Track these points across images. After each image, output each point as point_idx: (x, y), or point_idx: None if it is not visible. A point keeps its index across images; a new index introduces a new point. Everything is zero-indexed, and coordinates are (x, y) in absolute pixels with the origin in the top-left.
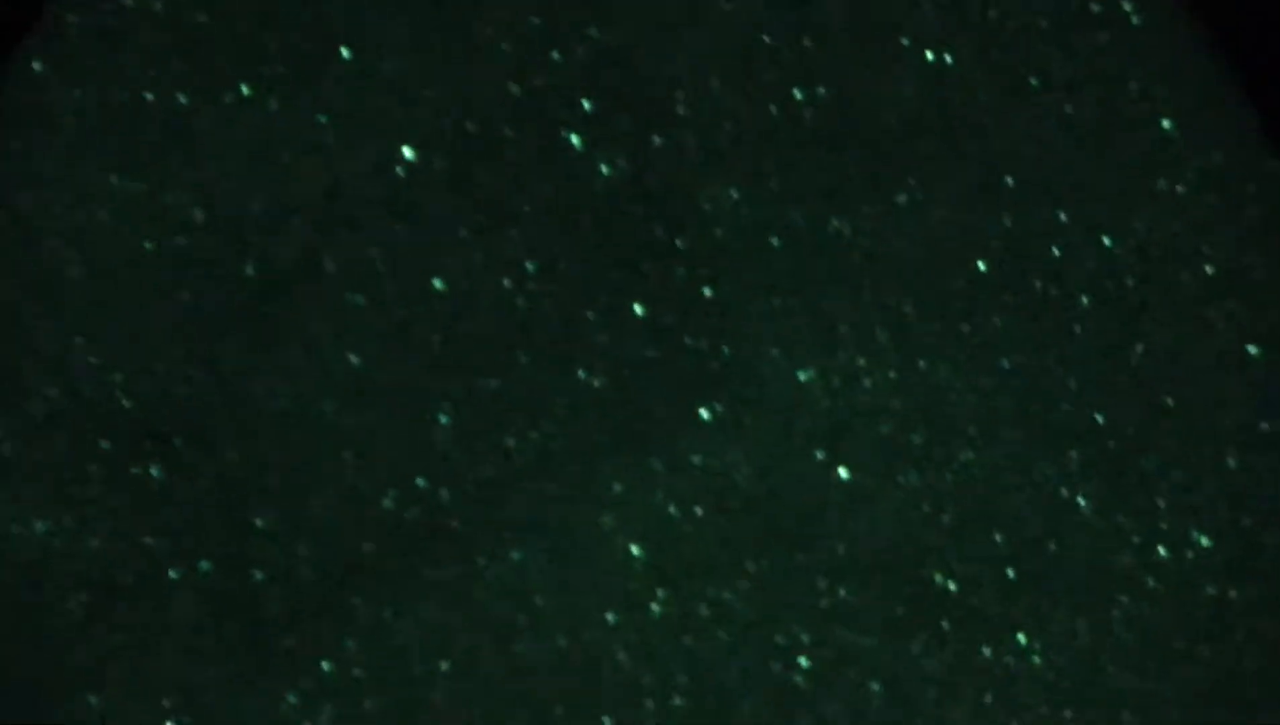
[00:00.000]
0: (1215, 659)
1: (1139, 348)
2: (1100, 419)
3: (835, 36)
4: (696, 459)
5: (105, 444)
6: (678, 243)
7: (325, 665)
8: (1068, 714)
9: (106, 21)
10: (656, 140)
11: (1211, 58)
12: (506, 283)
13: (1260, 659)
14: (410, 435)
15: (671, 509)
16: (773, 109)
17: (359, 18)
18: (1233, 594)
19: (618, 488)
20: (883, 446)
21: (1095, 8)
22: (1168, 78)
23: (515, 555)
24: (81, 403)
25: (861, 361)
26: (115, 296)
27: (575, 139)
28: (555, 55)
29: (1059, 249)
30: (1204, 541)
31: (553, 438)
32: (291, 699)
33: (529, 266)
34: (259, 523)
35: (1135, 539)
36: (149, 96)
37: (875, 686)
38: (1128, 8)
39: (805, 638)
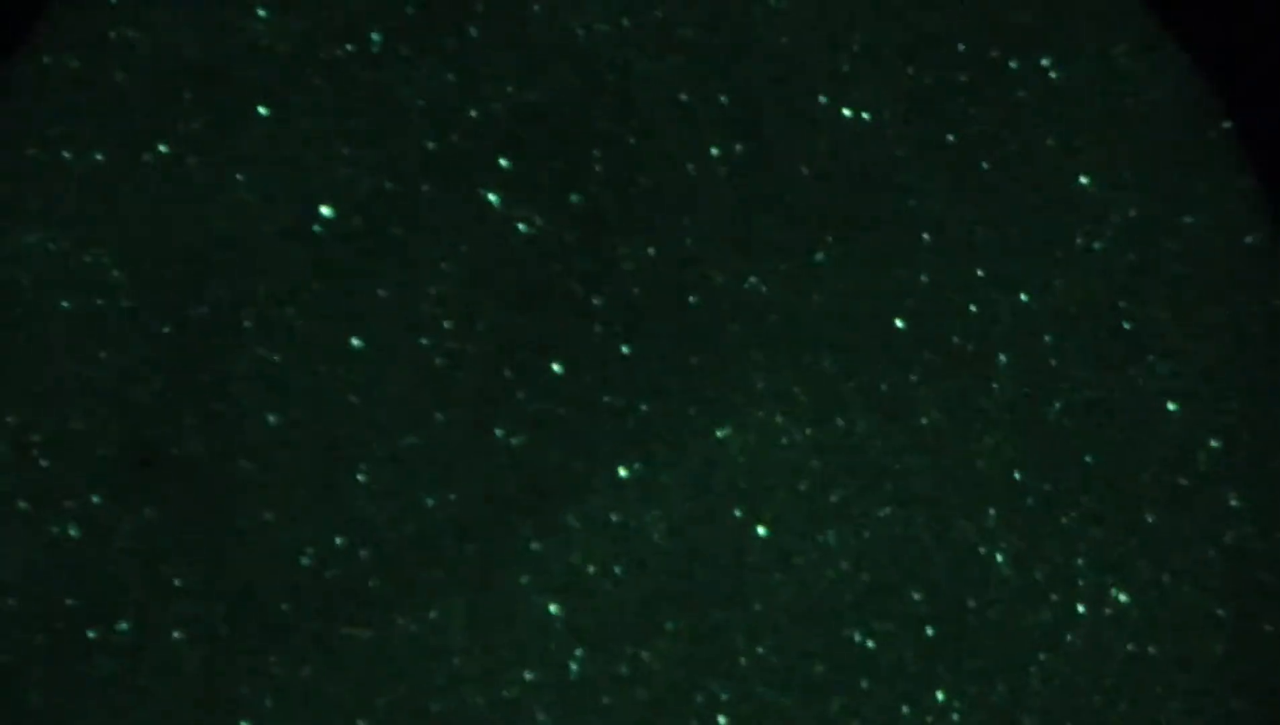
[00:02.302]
0: (1133, 716)
1: (1056, 405)
2: (1018, 476)
3: (753, 94)
4: (615, 517)
5: (22, 504)
6: (595, 301)
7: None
8: None
9: (22, 79)
10: (574, 198)
11: (1132, 111)
12: (424, 341)
13: (1178, 716)
14: (328, 494)
15: (590, 568)
16: (689, 167)
17: (276, 75)
18: (1151, 650)
19: (535, 546)
20: (801, 504)
21: (1013, 64)
22: (1085, 133)
23: (433, 614)
24: None
25: (779, 419)
26: (32, 355)
27: (493, 197)
28: (473, 113)
29: (976, 306)
30: (1122, 598)
31: (470, 497)
32: None
33: (446, 325)
34: (177, 582)
35: (1053, 596)
36: (66, 155)
37: None
38: (1045, 63)
39: (724, 696)
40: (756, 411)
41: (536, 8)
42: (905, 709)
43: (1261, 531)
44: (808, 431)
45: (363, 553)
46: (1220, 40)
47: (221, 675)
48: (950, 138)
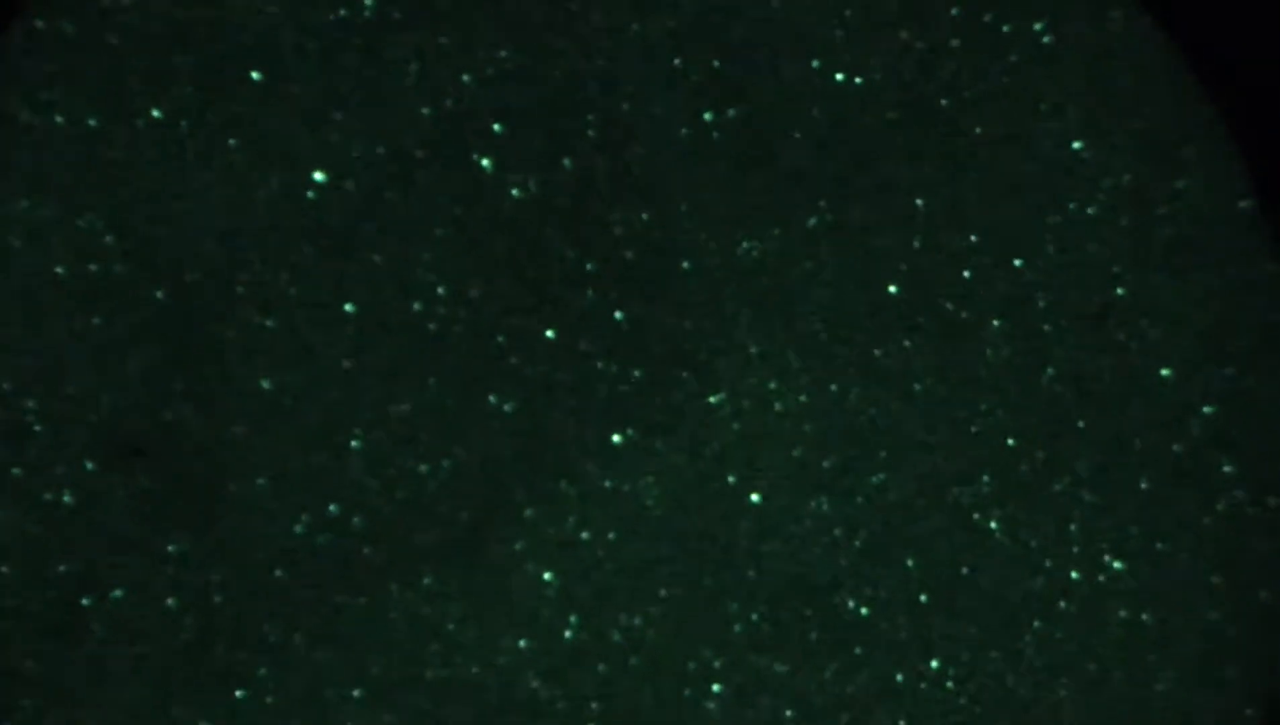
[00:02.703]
0: (1128, 682)
1: (1050, 371)
2: (1012, 442)
3: (745, 59)
4: (608, 484)
5: (16, 471)
6: (588, 266)
7: (238, 693)
8: None
9: (15, 44)
10: (567, 163)
11: (1125, 76)
12: (417, 306)
13: (1173, 682)
14: (322, 461)
15: (583, 534)
16: (683, 131)
17: (269, 40)
18: (1145, 617)
19: (529, 513)
20: (794, 471)
21: (1006, 28)
22: (1078, 98)
23: (427, 581)
24: None
25: (773, 385)
26: (26, 321)
27: (485, 162)
28: (465, 78)
29: (970, 271)
30: (1117, 565)
31: (464, 463)
32: None
33: (440, 290)
34: (171, 548)
35: (1047, 563)
36: (59, 119)
37: (788, 712)
38: (1038, 27)
39: (718, 664)
40: (750, 378)
41: None
42: (899, 676)
43: (1255, 498)
44: (801, 398)
45: (356, 520)
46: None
47: (215, 643)
48: (943, 102)
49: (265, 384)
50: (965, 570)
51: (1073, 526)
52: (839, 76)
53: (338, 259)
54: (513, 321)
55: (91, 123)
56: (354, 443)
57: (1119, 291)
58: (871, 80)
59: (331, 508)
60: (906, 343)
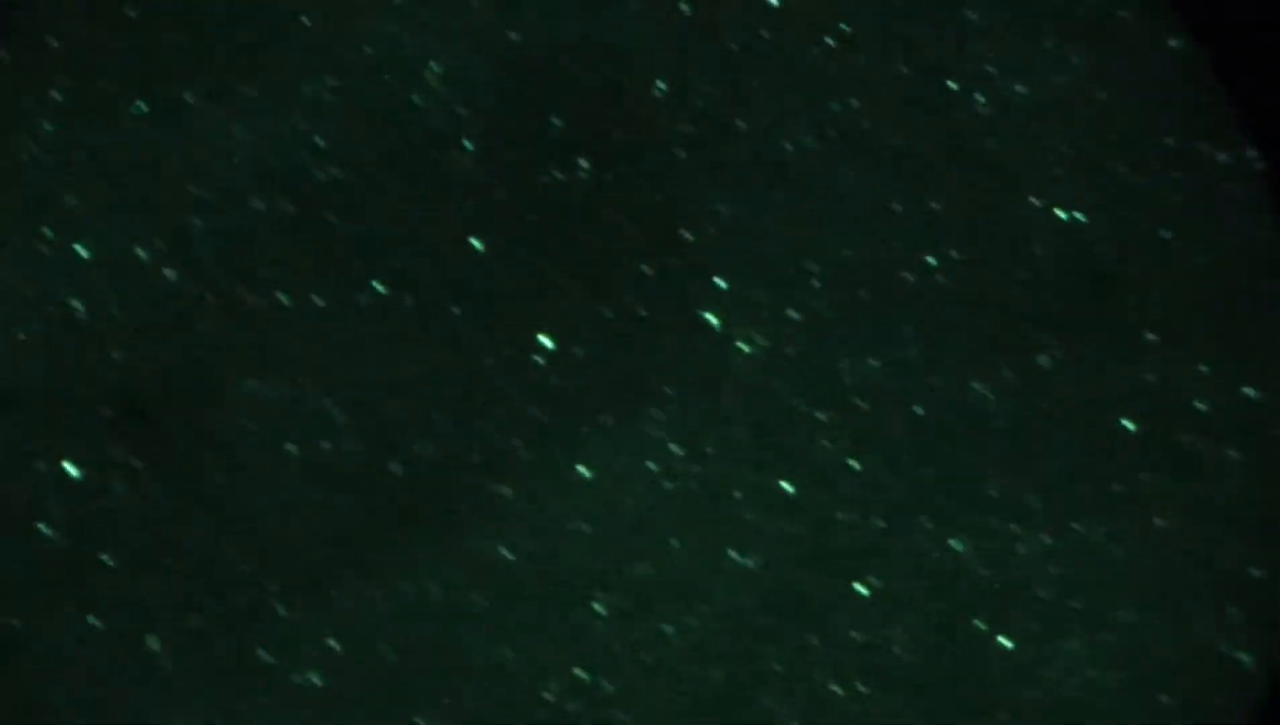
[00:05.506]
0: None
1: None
2: (1255, 573)
3: (963, 202)
4: (856, 635)
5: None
6: (819, 415)
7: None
8: None
9: (246, 226)
10: (793, 314)
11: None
12: (652, 466)
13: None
14: (566, 627)
15: (834, 688)
16: (907, 275)
17: (486, 204)
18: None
19: (777, 668)
20: (1042, 613)
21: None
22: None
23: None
24: None
25: (1014, 527)
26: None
27: (712, 318)
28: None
29: (1203, 403)
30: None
31: (709, 620)
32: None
33: (674, 448)
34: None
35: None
36: (283, 300)
37: None
38: None
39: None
40: (991, 520)
41: None
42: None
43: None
44: (1044, 538)
45: (605, 684)
46: None
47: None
48: (1164, 233)
49: (505, 552)
50: (1217, 701)
51: None
52: (1060, 214)
53: (568, 422)
54: (750, 477)
55: (319, 302)
56: (596, 605)
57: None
58: (1093, 218)
59: (577, 670)
60: (1144, 477)
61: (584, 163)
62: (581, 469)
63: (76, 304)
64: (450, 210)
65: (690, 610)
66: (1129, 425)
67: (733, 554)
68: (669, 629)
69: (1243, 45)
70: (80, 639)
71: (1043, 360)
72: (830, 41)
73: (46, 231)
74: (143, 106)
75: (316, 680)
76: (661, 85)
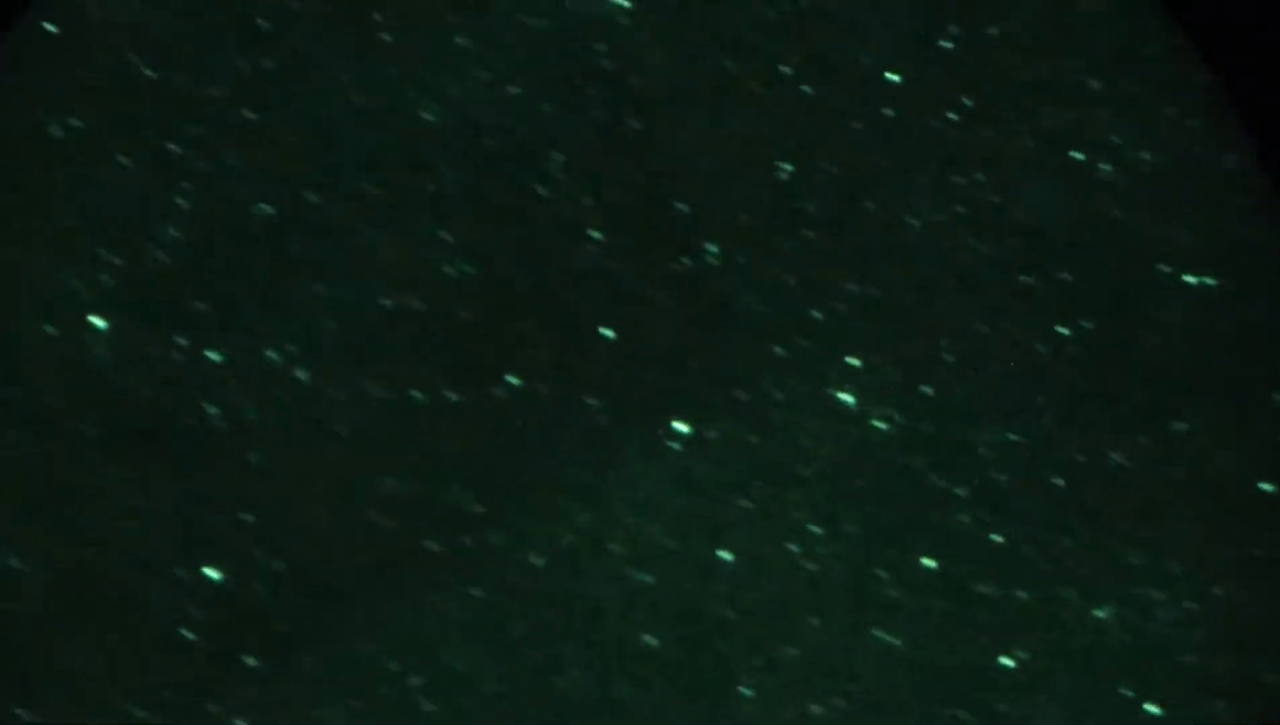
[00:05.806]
0: None
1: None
2: None
3: (1092, 271)
4: (1003, 708)
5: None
6: (957, 491)
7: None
8: None
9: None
10: (927, 390)
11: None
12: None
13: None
14: (716, 711)
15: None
16: (1040, 347)
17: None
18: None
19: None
20: (1187, 679)
21: None
22: None
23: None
24: None
25: (1157, 594)
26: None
27: (847, 397)
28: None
29: None
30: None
31: (856, 698)
32: None
33: (813, 528)
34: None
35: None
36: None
37: None
38: None
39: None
40: (1132, 587)
41: None
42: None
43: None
44: (1186, 604)
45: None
46: None
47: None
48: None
49: (650, 640)
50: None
51: None
52: (1190, 279)
53: (707, 507)
54: (889, 554)
55: (452, 397)
56: (743, 689)
57: None
58: (1224, 282)
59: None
60: None
61: (712, 248)
62: (723, 553)
63: (212, 410)
64: (580, 300)
65: (837, 690)
66: (1267, 488)
67: (877, 632)
68: (817, 709)
69: None
70: None
71: (1178, 426)
72: (953, 116)
73: (180, 340)
74: (267, 209)
75: None
76: (787, 166)
